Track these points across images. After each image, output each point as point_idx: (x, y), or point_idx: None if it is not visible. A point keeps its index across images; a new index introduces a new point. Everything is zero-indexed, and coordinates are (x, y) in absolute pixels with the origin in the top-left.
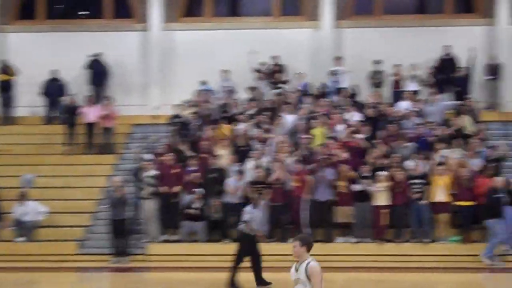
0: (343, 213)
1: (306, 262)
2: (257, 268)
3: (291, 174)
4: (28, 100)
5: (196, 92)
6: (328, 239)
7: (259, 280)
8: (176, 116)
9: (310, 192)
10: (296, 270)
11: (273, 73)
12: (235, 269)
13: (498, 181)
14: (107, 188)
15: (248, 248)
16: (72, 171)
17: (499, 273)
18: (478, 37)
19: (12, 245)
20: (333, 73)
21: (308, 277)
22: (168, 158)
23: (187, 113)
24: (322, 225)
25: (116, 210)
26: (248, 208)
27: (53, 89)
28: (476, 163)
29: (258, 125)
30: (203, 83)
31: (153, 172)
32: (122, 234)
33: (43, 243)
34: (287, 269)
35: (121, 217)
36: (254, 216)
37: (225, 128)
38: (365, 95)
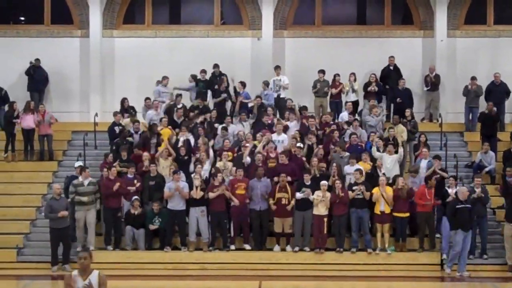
0: (283, 224)
1: None
2: None
3: (232, 183)
4: None
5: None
6: (266, 248)
7: None
8: (117, 124)
9: (248, 201)
10: None
11: (216, 82)
12: None
13: (461, 191)
14: (48, 195)
15: None
16: (11, 178)
17: (436, 282)
18: (417, 48)
19: None
20: (274, 83)
21: None
22: (112, 171)
23: (127, 120)
24: (258, 233)
25: (57, 218)
26: None
27: None
28: (419, 175)
29: (199, 134)
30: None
31: (90, 180)
32: (63, 242)
33: None
34: (230, 277)
35: (62, 225)
36: None
37: (167, 136)
38: (306, 104)
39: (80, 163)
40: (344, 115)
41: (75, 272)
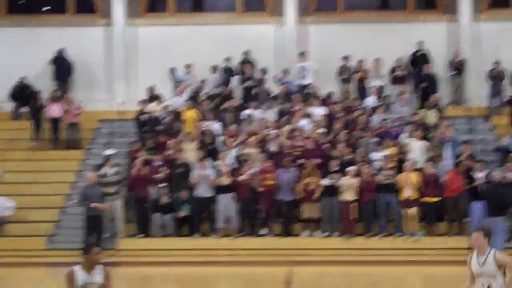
0: (310, 210)
1: (491, 253)
2: None
3: (258, 171)
4: None
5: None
6: (293, 234)
7: None
8: (142, 112)
9: (275, 191)
10: (480, 263)
11: (245, 68)
12: None
13: (496, 176)
14: (77, 183)
15: None
16: (39, 166)
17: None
18: (441, 33)
19: None
20: (299, 69)
21: (498, 267)
22: (138, 160)
23: (152, 107)
24: (285, 220)
25: (90, 206)
26: None
27: (22, 95)
28: (447, 160)
29: (225, 121)
30: (173, 71)
31: (116, 169)
32: (96, 230)
33: (11, 239)
34: (259, 263)
35: (95, 213)
36: None
37: (191, 119)
38: (331, 90)
39: (110, 151)
40: (370, 100)
41: (76, 267)
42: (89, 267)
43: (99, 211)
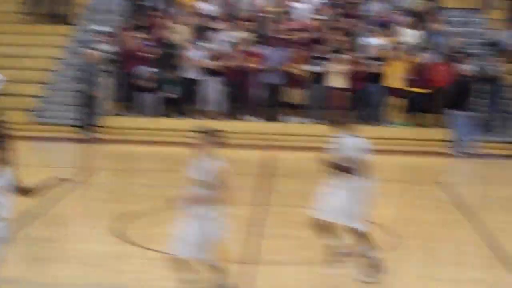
0: (296, 95)
1: (213, 161)
2: None
3: (247, 53)
4: None
5: None
6: (277, 119)
7: None
8: None
9: (263, 73)
10: (199, 169)
11: None
12: None
13: (467, 70)
14: (65, 59)
15: None
16: (26, 40)
17: (444, 158)
18: None
19: None
20: None
21: (216, 179)
22: (127, 34)
23: None
24: (273, 105)
25: (87, 83)
26: None
27: None
28: (436, 51)
29: (218, 3)
30: None
31: (106, 46)
32: (89, 107)
33: None
34: (245, 146)
35: (91, 91)
36: None
37: (185, 3)
38: None
39: (103, 28)
40: None
41: None
42: None
43: (94, 89)
